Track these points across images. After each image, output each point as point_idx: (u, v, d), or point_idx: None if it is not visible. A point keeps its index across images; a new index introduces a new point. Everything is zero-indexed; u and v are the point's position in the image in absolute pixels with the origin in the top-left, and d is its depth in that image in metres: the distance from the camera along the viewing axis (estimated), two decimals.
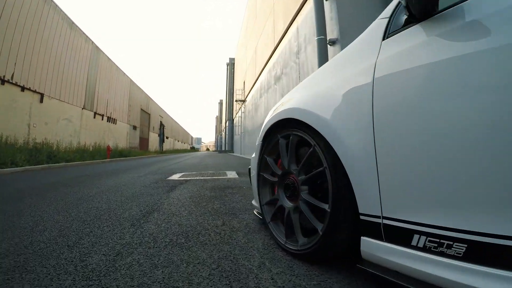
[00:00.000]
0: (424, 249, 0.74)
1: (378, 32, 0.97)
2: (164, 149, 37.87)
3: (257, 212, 1.77)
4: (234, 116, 32.53)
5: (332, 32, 6.22)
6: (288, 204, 1.29)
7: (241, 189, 3.30)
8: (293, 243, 1.23)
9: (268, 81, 14.00)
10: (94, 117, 17.88)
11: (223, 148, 40.65)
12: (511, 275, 0.59)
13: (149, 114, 32.99)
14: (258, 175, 1.53)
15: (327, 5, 6.32)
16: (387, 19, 0.96)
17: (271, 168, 1.43)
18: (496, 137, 0.63)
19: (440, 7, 0.79)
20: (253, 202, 1.77)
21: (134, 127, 26.70)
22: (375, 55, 0.92)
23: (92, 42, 17.81)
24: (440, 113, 0.72)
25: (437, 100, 0.73)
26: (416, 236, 0.76)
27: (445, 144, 0.71)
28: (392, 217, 0.82)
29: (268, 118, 1.47)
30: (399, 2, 0.93)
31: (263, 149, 1.50)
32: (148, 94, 32.69)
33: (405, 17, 0.88)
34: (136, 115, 27.47)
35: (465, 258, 0.66)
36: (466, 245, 0.66)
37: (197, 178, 4.67)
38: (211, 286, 0.96)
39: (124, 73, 24.23)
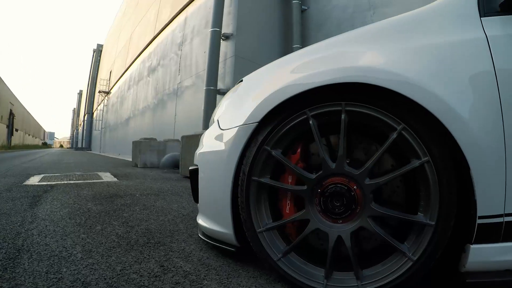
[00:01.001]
0: None
1: (468, 7, 0.77)
2: (12, 144, 29.15)
3: (204, 235, 1.13)
4: (94, 109, 26.69)
5: (227, 26, 5.96)
6: (332, 226, 0.77)
7: (134, 197, 2.35)
8: (346, 284, 0.73)
9: (140, 72, 12.42)
10: None
11: (79, 145, 32.63)
12: None
13: None
14: (248, 181, 0.87)
15: None
16: None
17: (284, 169, 0.86)
18: None
19: None
20: (200, 220, 1.12)
21: None
22: (479, 30, 0.72)
23: None
24: None
25: None
26: None
27: None
28: None
29: (283, 83, 0.84)
30: None
31: (258, 136, 0.87)
32: None
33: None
34: None
35: None
36: None
37: (65, 182, 3.19)
38: None
39: None
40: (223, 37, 5.78)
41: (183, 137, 3.95)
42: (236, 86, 1.15)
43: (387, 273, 0.71)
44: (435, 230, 0.67)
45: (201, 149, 1.10)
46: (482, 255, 0.68)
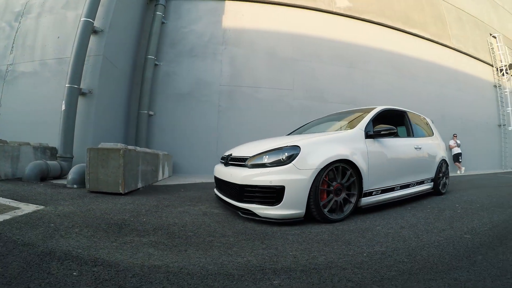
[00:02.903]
0: (374, 194, 2.81)
1: (361, 135, 2.83)
2: None
3: (277, 220, 2.30)
4: None
5: (98, 20, 5.09)
6: (338, 198, 2.49)
7: (170, 227, 2.24)
8: (338, 215, 2.49)
9: None
10: None
11: None
12: (387, 193, 2.96)
13: None
14: (318, 189, 2.32)
15: None
16: (363, 131, 2.85)
17: (327, 184, 2.43)
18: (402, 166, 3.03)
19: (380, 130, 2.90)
20: (279, 211, 2.23)
21: None
22: (364, 143, 2.79)
23: None
24: (384, 159, 2.91)
25: (381, 157, 2.88)
26: (374, 191, 2.79)
27: (384, 169, 2.89)
28: (370, 189, 2.75)
29: (327, 156, 2.39)
30: (367, 127, 2.86)
31: (321, 172, 2.33)
32: None
33: (371, 132, 2.86)
34: None
35: (380, 192, 2.89)
36: (381, 189, 2.86)
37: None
38: None
39: None
40: (93, 31, 4.87)
41: (91, 149, 3.41)
42: (290, 144, 2.44)
43: (347, 210, 2.54)
44: (357, 195, 2.60)
45: (281, 177, 2.23)
46: (364, 201, 2.68)
